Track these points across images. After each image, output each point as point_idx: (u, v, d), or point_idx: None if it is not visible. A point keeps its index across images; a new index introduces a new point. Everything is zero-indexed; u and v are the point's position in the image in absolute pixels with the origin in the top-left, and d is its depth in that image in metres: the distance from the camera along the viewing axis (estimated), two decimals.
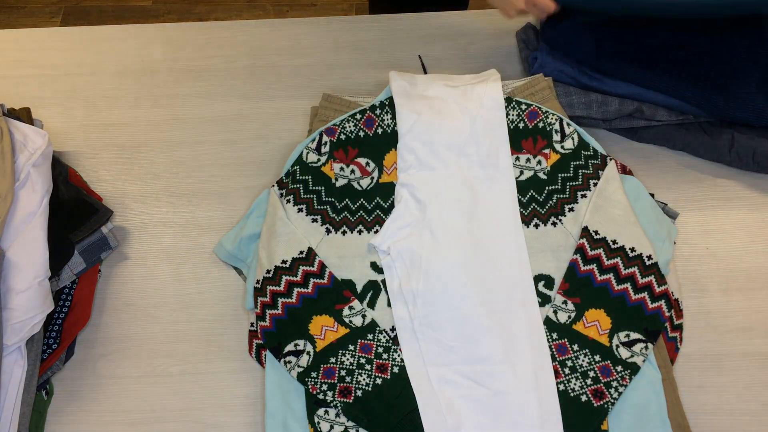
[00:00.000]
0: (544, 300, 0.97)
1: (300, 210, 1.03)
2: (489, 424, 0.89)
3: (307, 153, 1.08)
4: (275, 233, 1.00)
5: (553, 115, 1.09)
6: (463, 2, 1.55)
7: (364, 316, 0.96)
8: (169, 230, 1.10)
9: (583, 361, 0.91)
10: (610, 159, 1.05)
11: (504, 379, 0.91)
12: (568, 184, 1.04)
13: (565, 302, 0.95)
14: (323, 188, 1.05)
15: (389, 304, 0.97)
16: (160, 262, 1.07)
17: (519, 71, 1.23)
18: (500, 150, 1.06)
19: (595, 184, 1.03)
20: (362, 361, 0.92)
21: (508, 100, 1.10)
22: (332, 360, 0.93)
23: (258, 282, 0.98)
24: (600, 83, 1.12)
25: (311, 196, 1.04)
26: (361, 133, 1.09)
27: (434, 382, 0.91)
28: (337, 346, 0.93)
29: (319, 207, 1.04)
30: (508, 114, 1.09)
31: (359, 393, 0.90)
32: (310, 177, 1.06)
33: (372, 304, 0.98)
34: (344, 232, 1.02)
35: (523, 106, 1.09)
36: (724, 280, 1.03)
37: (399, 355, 0.93)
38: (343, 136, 1.08)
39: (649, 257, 0.97)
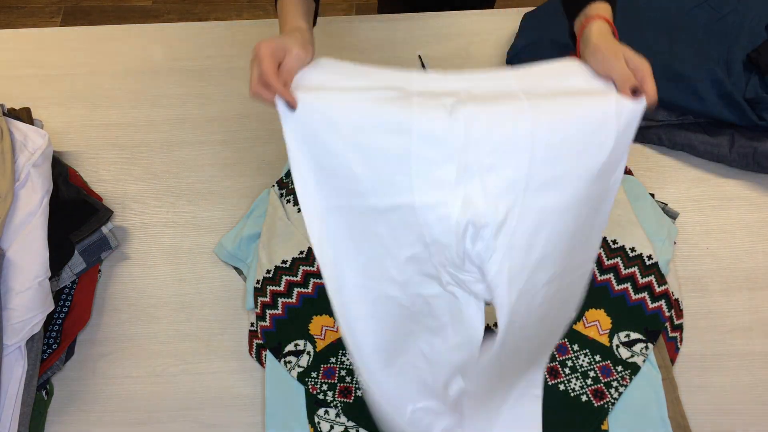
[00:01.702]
0: None
1: (300, 210, 1.03)
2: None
3: None
4: (275, 233, 1.00)
5: None
6: (489, 2, 1.44)
7: None
8: (169, 230, 1.10)
9: (583, 361, 0.91)
10: None
11: None
12: None
13: None
14: None
15: None
16: (160, 262, 1.07)
17: None
18: None
19: None
20: None
21: None
22: (332, 360, 0.92)
23: (258, 282, 0.98)
24: None
25: None
26: None
27: None
28: (337, 346, 0.93)
29: None
30: None
31: (359, 393, 0.90)
32: None
33: None
34: None
35: None
36: (725, 280, 1.03)
37: None
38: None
39: (649, 257, 0.96)
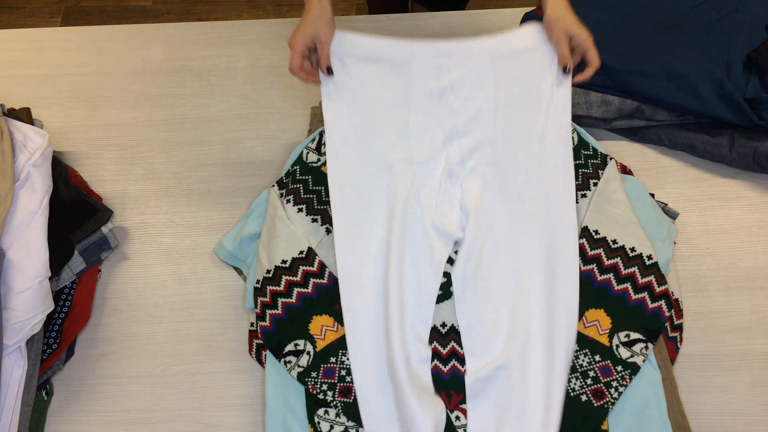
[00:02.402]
0: None
1: (300, 210, 1.03)
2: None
3: (307, 153, 1.08)
4: (275, 233, 1.00)
5: None
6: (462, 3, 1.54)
7: None
8: (169, 230, 1.10)
9: (583, 360, 0.91)
10: (610, 159, 1.05)
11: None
12: None
13: None
14: (323, 188, 1.05)
15: None
16: (160, 262, 1.07)
17: None
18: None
19: (595, 184, 1.03)
20: None
21: None
22: (332, 360, 0.92)
23: (258, 282, 0.98)
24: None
25: (311, 196, 1.04)
26: None
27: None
28: (337, 345, 0.93)
29: (319, 207, 1.03)
30: None
31: None
32: (310, 177, 1.06)
33: None
34: None
35: None
36: (725, 280, 1.03)
37: None
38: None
39: (649, 257, 0.96)
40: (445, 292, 0.96)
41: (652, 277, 0.95)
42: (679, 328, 0.97)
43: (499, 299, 0.94)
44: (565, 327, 0.93)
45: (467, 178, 1.00)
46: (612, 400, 0.89)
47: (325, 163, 1.06)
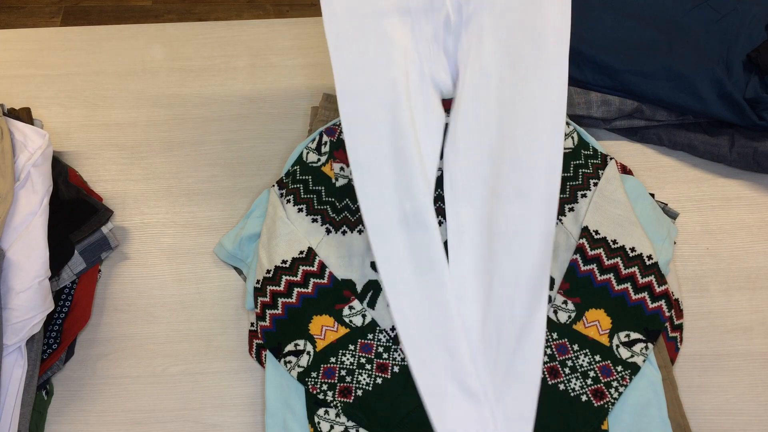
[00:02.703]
0: None
1: (300, 210, 1.03)
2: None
3: (307, 153, 1.08)
4: (275, 233, 1.00)
5: None
6: None
7: (364, 316, 0.96)
8: (169, 230, 1.10)
9: (583, 361, 0.91)
10: (610, 159, 1.05)
11: None
12: (568, 183, 1.04)
13: (565, 302, 0.95)
14: (323, 188, 1.05)
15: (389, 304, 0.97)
16: (160, 262, 1.07)
17: None
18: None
19: (595, 184, 1.03)
20: (362, 360, 0.92)
21: None
22: (332, 360, 0.93)
23: (258, 282, 0.98)
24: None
25: (311, 196, 1.04)
26: None
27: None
28: (337, 345, 0.93)
29: (319, 207, 1.03)
30: None
31: (359, 393, 0.90)
32: (310, 177, 1.06)
33: (372, 304, 0.98)
34: (344, 232, 1.02)
35: None
36: (725, 280, 1.03)
37: (399, 355, 0.93)
38: (343, 136, 1.08)
39: (649, 257, 0.96)
40: None
41: (652, 277, 0.95)
42: (679, 328, 0.97)
43: (482, 144, 0.96)
44: (545, 172, 0.93)
45: (464, 28, 0.97)
46: (612, 400, 0.89)
47: (325, 164, 1.06)
